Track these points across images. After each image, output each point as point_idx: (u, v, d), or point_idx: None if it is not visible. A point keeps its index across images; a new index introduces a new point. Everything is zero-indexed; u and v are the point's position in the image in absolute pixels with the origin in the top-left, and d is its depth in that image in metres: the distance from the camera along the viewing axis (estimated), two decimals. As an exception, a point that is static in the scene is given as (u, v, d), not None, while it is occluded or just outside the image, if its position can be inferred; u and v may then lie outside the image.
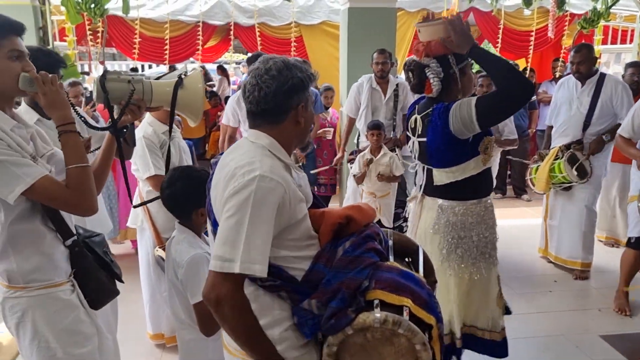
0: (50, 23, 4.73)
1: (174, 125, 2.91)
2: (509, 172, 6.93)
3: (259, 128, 1.45)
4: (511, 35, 7.11)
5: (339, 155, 4.89)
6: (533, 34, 6.88)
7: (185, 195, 1.95)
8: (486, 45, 7.79)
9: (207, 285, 1.31)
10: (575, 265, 4.16)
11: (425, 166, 2.43)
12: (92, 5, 4.74)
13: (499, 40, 6.92)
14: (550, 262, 4.42)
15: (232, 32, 6.40)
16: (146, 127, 2.92)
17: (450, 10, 2.11)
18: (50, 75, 1.59)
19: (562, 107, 4.16)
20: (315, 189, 5.38)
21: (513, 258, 4.61)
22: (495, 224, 2.45)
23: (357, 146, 4.73)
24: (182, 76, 1.79)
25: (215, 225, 1.43)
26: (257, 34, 6.31)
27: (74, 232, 1.76)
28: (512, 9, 6.93)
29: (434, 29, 2.24)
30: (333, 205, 5.55)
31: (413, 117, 2.41)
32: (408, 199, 2.57)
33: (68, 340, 1.68)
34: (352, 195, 4.63)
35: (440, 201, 2.37)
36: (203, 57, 10.76)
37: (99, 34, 5.57)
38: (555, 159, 4.03)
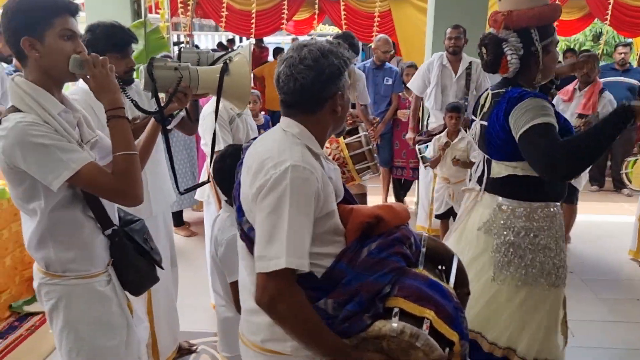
0: (143, -4, 4.93)
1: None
2: (609, 162, 6.31)
3: (292, 117, 1.39)
4: (623, 11, 6.39)
5: (409, 134, 4.70)
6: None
7: (232, 173, 1.95)
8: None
9: (257, 290, 1.28)
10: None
11: (485, 155, 2.14)
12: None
13: (608, 16, 6.25)
14: (642, 267, 4.03)
15: (316, 6, 6.34)
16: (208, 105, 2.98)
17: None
18: (101, 57, 1.54)
19: None
20: (393, 172, 5.26)
21: (599, 258, 4.25)
22: (564, 237, 2.11)
23: (427, 127, 4.55)
24: (228, 61, 1.75)
25: (239, 212, 1.40)
26: (342, 7, 6.19)
27: (114, 221, 1.73)
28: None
29: None
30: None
31: (485, 94, 2.14)
32: (463, 189, 2.36)
33: (97, 331, 1.67)
34: (423, 179, 4.47)
35: (499, 199, 2.07)
36: (295, 30, 10.84)
37: (189, 6, 5.76)
38: None
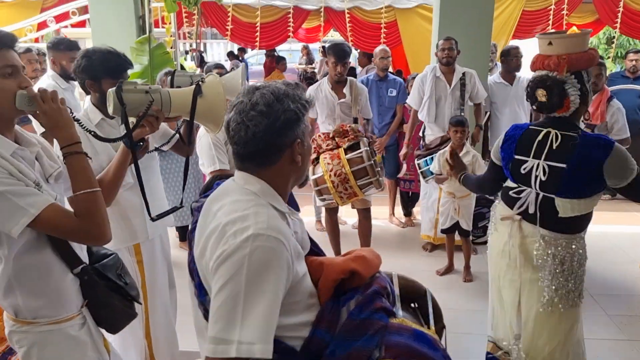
0: (149, 12, 4.96)
1: None
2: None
3: (248, 171, 1.27)
4: (632, 17, 6.30)
5: (403, 150, 4.67)
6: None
7: None
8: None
9: None
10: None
11: (542, 193, 2.15)
12: (187, -6, 4.90)
13: (618, 22, 6.16)
14: (656, 283, 3.92)
15: (322, 17, 6.33)
16: None
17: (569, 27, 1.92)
18: (50, 91, 1.47)
19: None
20: (401, 185, 5.21)
21: (610, 272, 4.15)
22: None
23: (423, 140, 4.51)
24: (200, 82, 1.71)
25: (199, 288, 1.27)
26: (347, 18, 6.17)
27: (83, 259, 1.63)
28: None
29: (572, 41, 2.08)
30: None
31: (545, 132, 2.13)
32: (502, 217, 2.32)
33: None
34: (426, 194, 4.43)
35: (544, 231, 2.15)
36: (306, 38, 10.86)
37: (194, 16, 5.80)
38: None
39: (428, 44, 5.50)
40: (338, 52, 3.86)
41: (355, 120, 3.97)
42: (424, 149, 4.37)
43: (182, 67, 6.69)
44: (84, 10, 5.70)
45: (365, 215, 4.10)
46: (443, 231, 4.16)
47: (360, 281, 1.31)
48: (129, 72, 3.98)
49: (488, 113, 4.87)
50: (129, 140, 1.70)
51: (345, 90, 3.98)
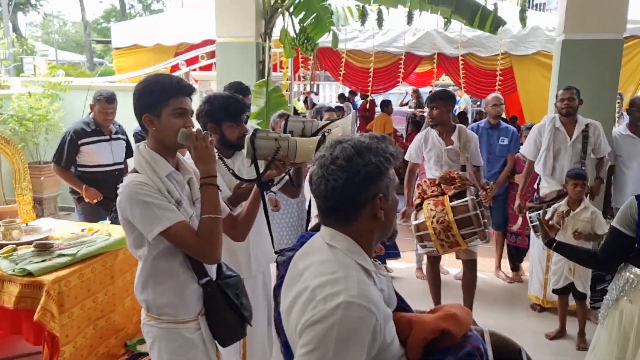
0: (269, 57, 5.30)
1: None
2: None
3: (332, 226, 1.25)
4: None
5: (517, 202, 4.40)
6: None
7: None
8: None
9: None
10: None
11: None
12: (305, 41, 5.16)
13: None
14: None
15: (435, 63, 6.34)
16: None
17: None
18: (203, 132, 1.79)
19: None
20: (508, 237, 4.95)
21: None
22: None
23: (538, 192, 4.24)
24: (326, 133, 1.87)
25: (285, 347, 1.28)
26: (461, 65, 6.11)
27: (210, 273, 1.90)
28: None
29: None
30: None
31: None
32: None
33: None
34: (536, 251, 4.15)
35: None
36: (417, 81, 10.90)
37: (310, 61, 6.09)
38: None
39: (546, 92, 5.29)
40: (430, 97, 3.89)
41: (463, 168, 3.88)
42: (537, 202, 4.13)
43: (295, 109, 7.01)
44: (211, 54, 6.21)
45: (470, 266, 3.93)
46: (555, 292, 3.86)
47: (452, 341, 1.24)
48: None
49: (608, 164, 4.51)
50: (259, 180, 1.92)
51: (454, 137, 3.91)
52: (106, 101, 4.10)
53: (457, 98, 12.76)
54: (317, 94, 12.28)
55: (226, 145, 2.49)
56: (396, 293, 1.38)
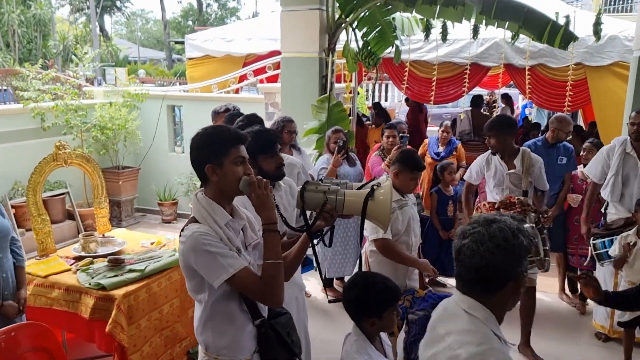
0: (331, 72, 5.38)
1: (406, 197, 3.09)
2: None
3: (471, 295, 1.37)
4: None
5: (584, 228, 4.16)
6: None
7: (358, 303, 2.09)
8: None
9: None
10: None
11: None
12: (368, 56, 5.20)
13: None
14: None
15: (500, 73, 6.17)
16: None
17: None
18: (264, 181, 1.87)
19: None
20: (570, 259, 4.75)
21: None
22: None
23: (605, 218, 4.03)
24: (375, 187, 1.92)
25: None
26: (527, 76, 5.90)
27: (263, 313, 1.98)
28: None
29: None
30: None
31: None
32: None
33: None
34: (603, 277, 3.96)
35: None
36: (484, 84, 10.58)
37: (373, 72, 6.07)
38: None
39: (622, 106, 5.01)
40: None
41: (525, 193, 3.78)
42: (603, 228, 3.95)
43: (360, 120, 7.03)
44: (277, 65, 6.37)
45: (528, 293, 3.83)
46: (620, 324, 3.69)
47: None
48: (308, 126, 4.39)
49: None
50: (307, 230, 1.99)
51: (517, 161, 3.81)
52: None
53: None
54: (386, 100, 12.20)
55: (265, 178, 2.61)
56: None
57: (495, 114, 6.17)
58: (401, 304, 2.99)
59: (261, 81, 6.84)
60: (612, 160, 3.93)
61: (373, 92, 8.12)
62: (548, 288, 4.88)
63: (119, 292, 3.00)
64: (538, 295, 4.05)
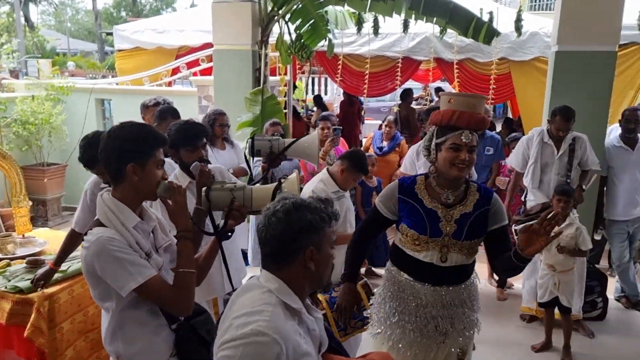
0: (265, 65, 5.34)
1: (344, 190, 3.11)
2: None
3: (269, 269, 1.44)
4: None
5: None
6: None
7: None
8: None
9: None
10: None
11: None
12: (301, 49, 5.20)
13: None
14: None
15: (431, 64, 6.36)
16: (318, 182, 3.12)
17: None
18: (183, 188, 1.84)
19: None
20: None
21: None
22: None
23: (525, 205, 4.27)
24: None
25: None
26: (455, 70, 6.11)
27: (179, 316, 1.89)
28: None
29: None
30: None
31: None
32: None
33: None
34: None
35: None
36: (427, 79, 10.84)
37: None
38: None
39: (543, 99, 5.28)
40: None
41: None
42: (524, 215, 4.16)
43: (296, 112, 7.04)
44: (211, 58, 6.24)
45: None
46: (541, 305, 3.90)
47: None
48: (241, 119, 4.36)
49: (594, 175, 4.51)
50: (217, 233, 1.95)
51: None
52: None
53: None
54: (325, 94, 12.20)
55: (185, 170, 2.58)
56: (332, 337, 1.54)
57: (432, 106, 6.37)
58: (336, 295, 3.02)
59: (194, 74, 6.70)
60: (532, 150, 4.15)
61: (307, 85, 8.11)
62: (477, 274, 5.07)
63: (38, 295, 2.85)
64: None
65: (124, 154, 1.74)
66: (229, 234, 1.94)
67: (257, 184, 2.13)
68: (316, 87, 14.01)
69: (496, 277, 5.03)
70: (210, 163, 2.65)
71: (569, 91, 4.46)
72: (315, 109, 8.23)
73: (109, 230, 1.73)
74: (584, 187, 4.24)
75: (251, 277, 1.56)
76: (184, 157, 2.54)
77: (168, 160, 2.55)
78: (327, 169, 3.18)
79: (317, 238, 1.41)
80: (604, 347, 3.95)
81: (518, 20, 5.17)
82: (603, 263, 5.10)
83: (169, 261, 1.90)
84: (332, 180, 3.10)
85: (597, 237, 4.87)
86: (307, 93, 9.94)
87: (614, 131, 4.87)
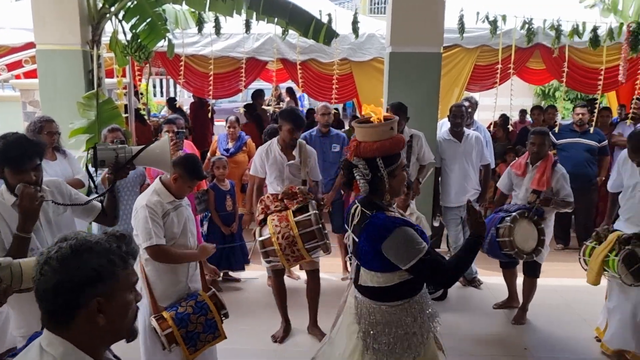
0: (98, 67, 4.90)
1: (180, 199, 2.94)
2: (572, 217, 6.20)
3: (50, 329, 1.16)
4: (578, 72, 6.58)
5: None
6: (602, 72, 6.29)
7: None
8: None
9: None
10: (629, 355, 3.60)
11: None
12: (138, 49, 4.87)
13: (564, 76, 6.41)
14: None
15: (275, 66, 6.42)
16: (151, 194, 2.91)
17: (377, 115, 2.06)
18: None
19: (628, 189, 3.64)
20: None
21: (560, 332, 4.11)
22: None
23: None
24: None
25: None
26: (299, 70, 6.23)
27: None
28: (582, 45, 6.38)
29: (367, 131, 2.21)
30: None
31: (355, 207, 2.34)
32: None
33: None
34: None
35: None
36: (277, 79, 10.90)
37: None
38: (612, 251, 3.43)
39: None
40: (296, 120, 3.89)
41: (304, 182, 3.95)
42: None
43: (141, 117, 6.61)
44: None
45: (312, 276, 4.03)
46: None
47: None
48: (74, 126, 4.05)
49: (431, 169, 4.92)
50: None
51: (295, 152, 3.97)
52: None
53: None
54: (175, 96, 11.71)
55: (10, 190, 2.28)
56: None
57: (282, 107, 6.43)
58: (183, 311, 2.87)
59: (17, 77, 5.95)
60: None
61: (146, 88, 7.67)
62: (333, 269, 5.22)
63: None
64: (324, 276, 4.31)
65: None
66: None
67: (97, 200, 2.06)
68: (164, 90, 13.37)
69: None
70: (40, 187, 2.34)
71: (404, 89, 4.78)
72: (165, 113, 7.86)
73: None
74: (420, 180, 4.58)
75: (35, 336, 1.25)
76: (8, 178, 2.23)
77: None
78: (160, 179, 2.99)
79: (106, 287, 1.15)
80: (446, 326, 4.29)
81: (355, 23, 5.41)
82: (443, 247, 5.56)
83: None
84: (165, 190, 2.92)
85: (436, 224, 5.29)
86: (155, 95, 9.43)
87: (444, 126, 5.34)
